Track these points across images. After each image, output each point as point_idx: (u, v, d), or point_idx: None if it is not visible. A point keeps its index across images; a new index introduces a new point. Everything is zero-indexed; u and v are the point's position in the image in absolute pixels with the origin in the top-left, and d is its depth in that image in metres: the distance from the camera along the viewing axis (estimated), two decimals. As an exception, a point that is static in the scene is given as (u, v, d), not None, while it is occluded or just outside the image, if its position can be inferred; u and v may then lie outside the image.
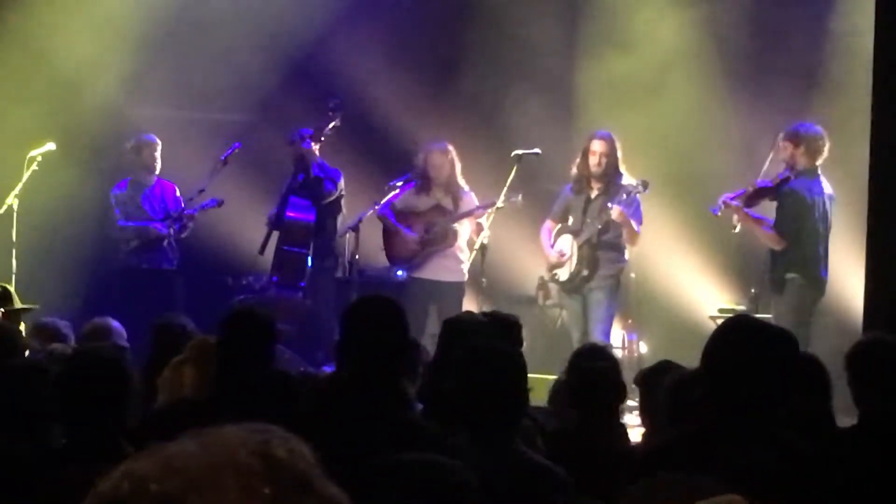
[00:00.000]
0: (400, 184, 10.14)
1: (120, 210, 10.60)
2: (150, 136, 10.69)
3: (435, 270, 10.15)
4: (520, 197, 9.89)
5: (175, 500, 1.22)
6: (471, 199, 10.17)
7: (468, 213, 10.11)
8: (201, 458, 1.25)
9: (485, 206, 10.01)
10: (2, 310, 7.92)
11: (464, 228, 10.18)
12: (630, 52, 11.43)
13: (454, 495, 2.71)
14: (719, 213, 9.49)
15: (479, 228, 10.05)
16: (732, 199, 9.41)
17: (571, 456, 4.22)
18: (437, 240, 10.14)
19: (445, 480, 2.73)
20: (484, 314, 6.30)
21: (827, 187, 9.20)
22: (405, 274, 10.20)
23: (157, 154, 10.65)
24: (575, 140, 10.24)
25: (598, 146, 9.72)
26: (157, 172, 10.66)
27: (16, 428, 4.28)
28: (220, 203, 10.55)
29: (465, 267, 10.17)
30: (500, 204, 9.83)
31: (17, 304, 8.12)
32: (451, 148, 10.24)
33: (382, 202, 10.16)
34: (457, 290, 10.11)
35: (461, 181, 10.24)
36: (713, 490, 1.52)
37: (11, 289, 8.42)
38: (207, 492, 1.22)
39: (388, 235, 10.32)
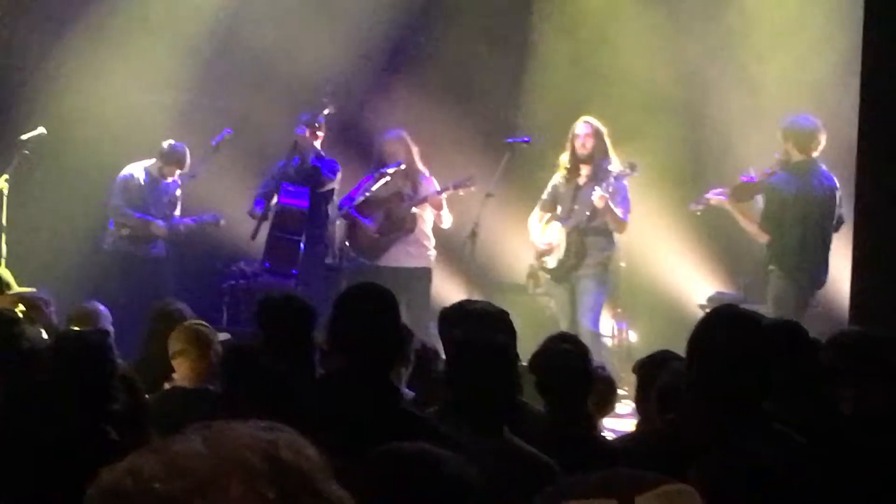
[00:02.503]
0: (392, 171, 10.13)
1: (123, 196, 10.58)
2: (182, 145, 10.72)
3: (397, 257, 10.16)
4: (470, 185, 9.91)
5: (179, 501, 1.21)
6: (430, 184, 10.17)
7: (424, 199, 10.10)
8: (207, 459, 1.24)
9: (442, 191, 10.01)
10: None
11: (427, 214, 10.18)
12: (615, 42, 11.43)
13: (449, 487, 2.73)
14: (700, 210, 9.58)
15: (440, 216, 10.05)
16: (717, 194, 9.48)
17: (541, 445, 4.22)
18: (396, 226, 10.14)
19: (440, 472, 2.75)
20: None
21: (824, 179, 9.17)
22: (370, 263, 10.19)
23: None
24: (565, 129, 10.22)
25: (581, 129, 9.75)
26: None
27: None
28: (218, 222, 10.61)
29: (431, 253, 10.19)
30: (490, 192, 9.84)
31: (15, 289, 8.08)
32: (404, 135, 10.26)
33: (360, 194, 10.15)
34: (422, 275, 10.13)
35: (420, 166, 10.24)
36: (657, 482, 1.52)
37: (6, 274, 8.40)
38: (212, 495, 1.21)
39: (349, 227, 10.33)
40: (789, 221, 9.12)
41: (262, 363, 4.65)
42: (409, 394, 4.68)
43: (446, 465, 2.77)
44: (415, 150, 10.23)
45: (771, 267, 9.18)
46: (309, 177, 10.28)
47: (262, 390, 4.39)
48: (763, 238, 9.28)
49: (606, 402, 5.93)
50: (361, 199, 10.16)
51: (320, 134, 10.42)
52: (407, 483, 2.65)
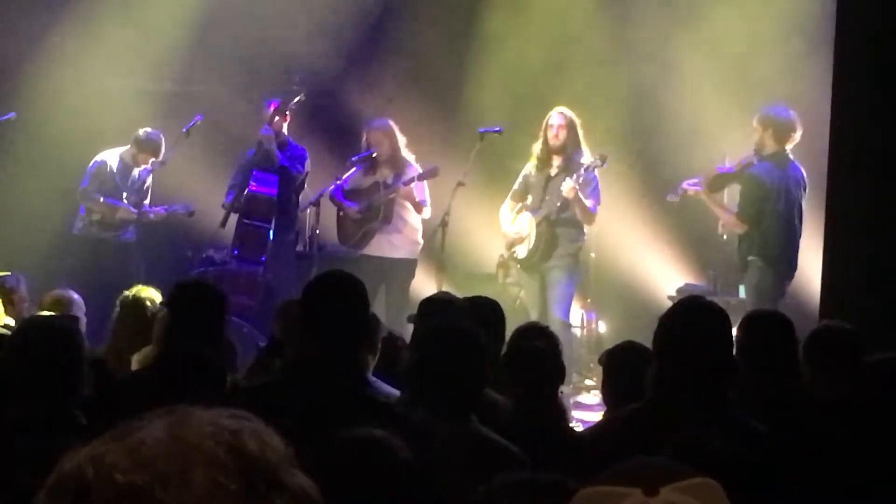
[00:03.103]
0: (357, 160, 10.11)
1: (94, 182, 10.52)
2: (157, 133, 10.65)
3: (381, 247, 10.13)
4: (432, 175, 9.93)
5: (140, 492, 1.20)
6: (413, 172, 10.11)
7: (395, 189, 10.07)
8: (170, 449, 1.22)
9: (407, 182, 9.97)
10: None
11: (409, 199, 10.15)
12: (583, 31, 11.44)
13: (391, 471, 2.73)
14: (678, 199, 9.59)
15: (417, 201, 10.03)
16: (692, 185, 9.50)
17: (510, 436, 4.22)
18: (373, 216, 10.12)
19: (383, 457, 2.75)
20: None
21: (797, 171, 9.23)
22: (355, 251, 10.18)
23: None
24: (537, 118, 10.21)
25: (555, 119, 9.75)
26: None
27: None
28: (191, 213, 10.57)
29: (417, 244, 10.17)
30: (461, 180, 9.83)
31: None
32: (391, 124, 10.22)
33: (340, 181, 10.14)
34: (404, 266, 10.10)
35: (406, 154, 10.21)
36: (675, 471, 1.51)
37: None
38: (174, 486, 1.20)
39: (339, 216, 10.31)
40: (770, 211, 9.15)
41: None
42: (393, 392, 4.63)
43: (391, 451, 2.78)
44: (400, 139, 10.19)
45: (751, 257, 9.17)
46: (282, 177, 10.24)
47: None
48: (740, 228, 9.26)
49: None
50: (348, 187, 10.15)
51: (287, 118, 10.37)
52: (356, 468, 2.66)
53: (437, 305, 5.81)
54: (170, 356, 4.69)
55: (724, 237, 9.66)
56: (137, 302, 6.40)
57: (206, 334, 5.05)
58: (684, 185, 9.59)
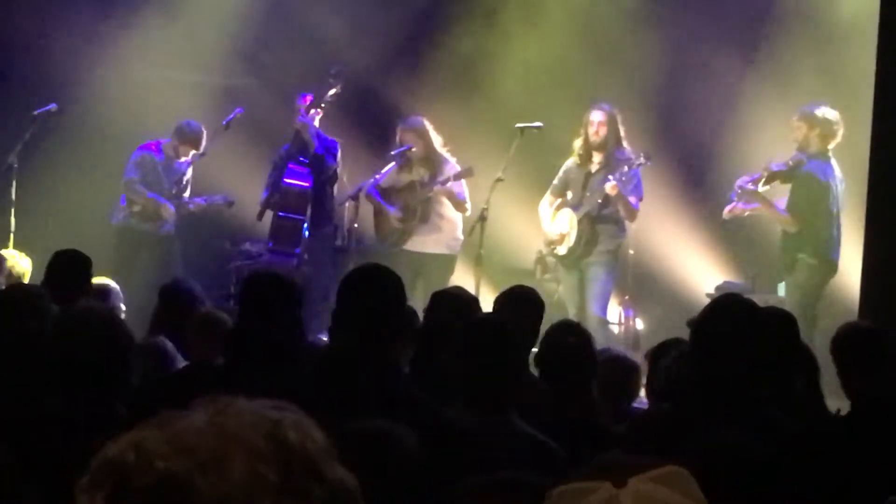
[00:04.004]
0: (396, 154, 10.11)
1: (139, 173, 10.56)
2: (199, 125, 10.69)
3: (422, 243, 10.13)
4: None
5: (179, 479, 1.21)
6: (451, 170, 10.09)
7: (432, 188, 10.06)
8: (211, 438, 1.23)
9: (443, 183, 9.96)
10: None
11: (449, 199, 10.14)
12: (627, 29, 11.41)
13: (395, 461, 2.73)
14: (736, 199, 9.48)
15: (458, 200, 10.02)
16: (748, 182, 9.39)
17: (544, 431, 4.22)
18: (411, 215, 10.12)
19: (387, 447, 2.75)
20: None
21: (838, 171, 9.19)
22: (394, 247, 10.18)
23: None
24: (577, 114, 10.19)
25: (596, 116, 9.73)
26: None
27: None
28: (230, 203, 10.61)
29: (457, 242, 10.16)
30: (500, 176, 9.82)
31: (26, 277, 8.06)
32: (424, 122, 10.19)
33: (377, 176, 10.13)
34: (443, 262, 10.09)
35: (442, 152, 10.19)
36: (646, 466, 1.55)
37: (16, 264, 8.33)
38: (213, 475, 1.21)
39: (376, 213, 10.32)
40: (824, 210, 9.11)
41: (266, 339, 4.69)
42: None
43: (394, 441, 2.77)
44: (435, 137, 10.18)
45: (801, 255, 9.11)
46: (315, 166, 10.26)
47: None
48: (793, 227, 9.19)
49: (634, 387, 5.92)
50: (384, 185, 10.15)
51: (321, 111, 10.38)
52: (360, 460, 2.66)
53: (446, 299, 5.86)
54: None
55: (727, 218, 9.52)
56: (178, 293, 6.43)
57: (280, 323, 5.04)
58: (741, 182, 9.46)
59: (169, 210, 10.53)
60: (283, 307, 5.01)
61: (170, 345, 5.93)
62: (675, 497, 1.52)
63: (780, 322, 4.78)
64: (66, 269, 6.47)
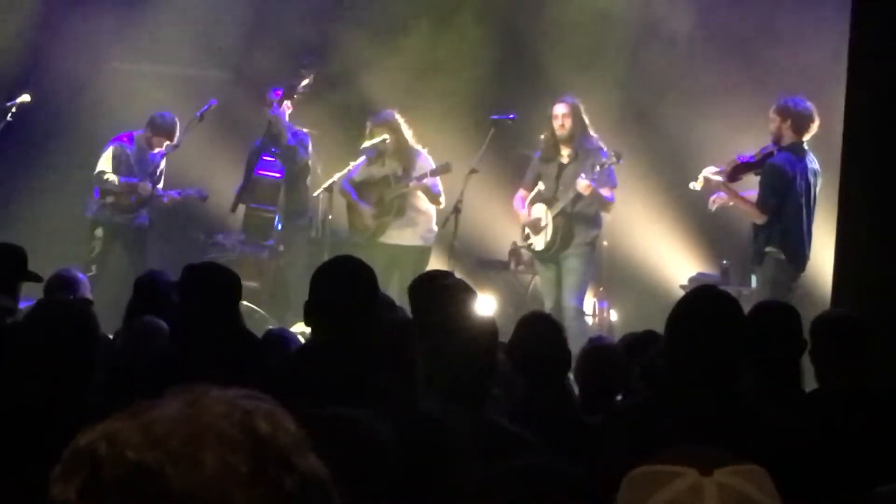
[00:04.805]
0: (369, 145, 10.10)
1: (110, 165, 10.51)
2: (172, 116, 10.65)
3: (397, 235, 10.15)
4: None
5: (151, 470, 1.21)
6: (425, 163, 10.12)
7: (405, 185, 10.05)
8: (182, 428, 1.23)
9: (420, 179, 9.96)
10: None
11: (425, 193, 10.15)
12: (605, 20, 11.42)
13: (363, 448, 2.73)
14: (699, 188, 9.50)
15: (433, 193, 10.03)
16: (714, 172, 9.40)
17: (520, 423, 4.22)
18: (386, 209, 10.12)
19: (355, 434, 2.74)
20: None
21: (813, 163, 9.19)
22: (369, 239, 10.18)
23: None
24: (550, 106, 10.20)
25: (559, 109, 9.77)
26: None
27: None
28: (205, 198, 10.57)
29: (432, 234, 10.18)
30: (474, 167, 9.83)
31: None
32: (395, 116, 10.18)
33: (353, 168, 10.12)
34: (418, 254, 10.11)
35: (414, 144, 10.19)
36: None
37: None
38: (185, 465, 1.21)
39: (349, 208, 10.31)
40: (792, 203, 9.10)
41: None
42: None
43: (363, 428, 2.77)
44: (406, 130, 10.18)
45: (769, 248, 9.11)
46: (286, 157, 10.25)
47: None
48: (760, 219, 9.18)
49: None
50: (358, 178, 10.14)
51: (293, 104, 10.36)
52: (323, 447, 2.65)
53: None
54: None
55: (713, 210, 9.54)
56: (155, 284, 6.40)
57: (219, 318, 5.03)
58: (705, 173, 9.48)
59: (146, 186, 10.47)
60: (219, 298, 5.04)
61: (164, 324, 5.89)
62: (757, 493, 1.61)
63: (780, 314, 4.82)
64: (1, 262, 6.53)
